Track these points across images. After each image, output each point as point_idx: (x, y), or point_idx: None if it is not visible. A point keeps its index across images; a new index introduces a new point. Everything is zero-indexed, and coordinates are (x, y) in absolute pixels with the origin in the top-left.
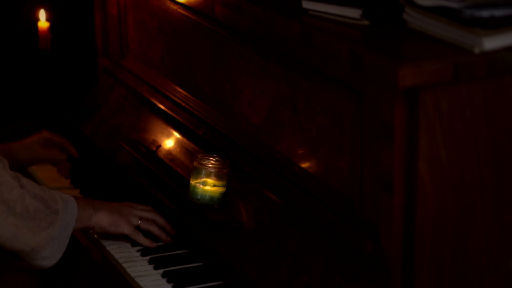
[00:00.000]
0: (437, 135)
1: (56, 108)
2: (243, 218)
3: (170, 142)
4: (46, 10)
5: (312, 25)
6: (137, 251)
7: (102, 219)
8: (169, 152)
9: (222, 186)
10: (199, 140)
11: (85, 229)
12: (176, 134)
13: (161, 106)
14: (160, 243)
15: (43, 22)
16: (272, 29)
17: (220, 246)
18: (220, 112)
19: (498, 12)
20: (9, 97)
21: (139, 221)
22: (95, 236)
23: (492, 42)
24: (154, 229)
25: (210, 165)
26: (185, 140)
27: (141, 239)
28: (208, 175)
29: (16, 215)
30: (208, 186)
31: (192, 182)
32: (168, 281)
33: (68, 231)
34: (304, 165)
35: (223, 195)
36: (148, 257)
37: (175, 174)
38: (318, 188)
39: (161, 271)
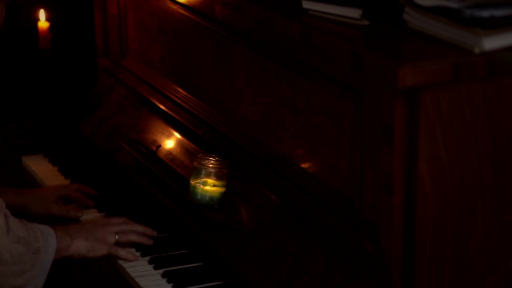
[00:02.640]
0: (437, 135)
1: (56, 108)
2: (243, 218)
3: (170, 142)
4: (46, 10)
5: (312, 25)
6: (137, 251)
7: (80, 247)
8: (169, 152)
9: (222, 186)
10: (199, 140)
11: (64, 258)
12: (176, 134)
13: (161, 106)
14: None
15: (43, 22)
16: (272, 29)
17: (220, 246)
18: (220, 112)
19: (498, 12)
20: (9, 97)
21: (116, 236)
22: None
23: (492, 42)
24: (133, 237)
25: (210, 165)
26: (185, 140)
27: (121, 253)
28: (208, 175)
29: (2, 262)
30: (208, 186)
31: (192, 182)
32: (168, 281)
33: (48, 266)
34: (304, 165)
35: (223, 195)
36: (148, 257)
37: (175, 174)
38: (318, 188)
39: (161, 271)
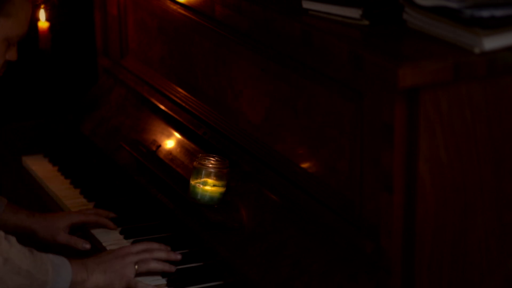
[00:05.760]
0: (437, 135)
1: (56, 108)
2: (243, 218)
3: (170, 142)
4: (46, 10)
5: (312, 25)
6: None
7: (97, 282)
8: (169, 152)
9: (222, 186)
10: (199, 140)
11: None
12: (176, 134)
13: (161, 106)
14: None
15: (43, 22)
16: (272, 29)
17: (220, 246)
18: (220, 112)
19: (498, 12)
20: (9, 97)
21: (136, 267)
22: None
23: (492, 42)
24: (153, 266)
25: (210, 165)
26: (185, 140)
27: (141, 286)
28: (208, 175)
29: None
30: (208, 186)
31: (192, 182)
32: (168, 281)
33: None
34: (304, 165)
35: (223, 195)
36: None
37: (175, 174)
38: (318, 188)
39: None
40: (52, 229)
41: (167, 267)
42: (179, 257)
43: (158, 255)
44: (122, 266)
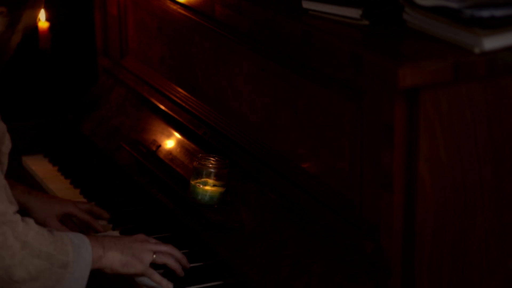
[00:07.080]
0: (437, 135)
1: (56, 108)
2: (243, 218)
3: (170, 142)
4: (46, 10)
5: (312, 25)
6: None
7: (113, 260)
8: (169, 152)
9: (222, 186)
10: (199, 140)
11: (95, 271)
12: (176, 134)
13: (161, 106)
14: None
15: (43, 22)
16: (272, 29)
17: (220, 246)
18: (220, 112)
19: (498, 12)
20: (9, 97)
21: (154, 256)
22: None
23: (492, 42)
24: (170, 261)
25: (210, 165)
26: (185, 140)
27: (156, 278)
28: (208, 175)
29: (18, 281)
30: (208, 186)
31: (192, 182)
32: (168, 281)
33: (82, 280)
34: (304, 165)
35: (223, 195)
36: None
37: (175, 174)
38: (318, 188)
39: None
40: (46, 213)
41: (178, 270)
42: (189, 265)
43: (175, 252)
44: (140, 250)
